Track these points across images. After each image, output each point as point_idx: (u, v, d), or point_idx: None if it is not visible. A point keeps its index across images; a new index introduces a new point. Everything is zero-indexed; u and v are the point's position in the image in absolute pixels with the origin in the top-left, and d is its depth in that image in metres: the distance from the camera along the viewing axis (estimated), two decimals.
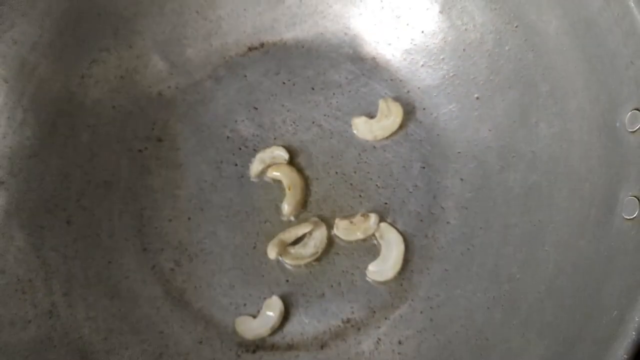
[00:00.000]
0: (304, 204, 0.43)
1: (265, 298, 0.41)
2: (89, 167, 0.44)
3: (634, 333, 0.26)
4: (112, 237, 0.42)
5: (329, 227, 0.42)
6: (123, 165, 0.44)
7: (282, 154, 0.44)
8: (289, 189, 0.43)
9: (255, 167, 0.44)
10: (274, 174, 0.43)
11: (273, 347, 0.40)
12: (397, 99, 0.44)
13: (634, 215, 0.30)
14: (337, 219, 0.42)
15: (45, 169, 0.42)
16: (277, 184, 0.43)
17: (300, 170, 0.44)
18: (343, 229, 0.42)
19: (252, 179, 0.44)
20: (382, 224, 0.42)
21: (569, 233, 0.35)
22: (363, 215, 0.42)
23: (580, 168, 0.35)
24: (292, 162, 0.44)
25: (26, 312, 0.39)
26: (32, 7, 0.42)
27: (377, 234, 0.41)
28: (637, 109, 0.31)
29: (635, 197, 0.30)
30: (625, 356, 0.26)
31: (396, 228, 0.42)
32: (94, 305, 0.40)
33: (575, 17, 0.36)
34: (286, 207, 0.43)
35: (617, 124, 0.32)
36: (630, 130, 0.32)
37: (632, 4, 0.31)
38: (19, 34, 0.42)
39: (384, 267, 0.40)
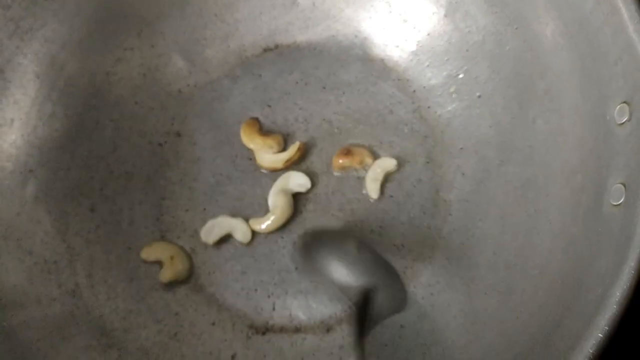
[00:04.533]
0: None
1: (275, 284, 0.43)
2: (112, 158, 0.46)
3: (615, 307, 0.28)
4: (132, 224, 0.44)
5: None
6: (144, 157, 0.46)
7: None
8: None
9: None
10: None
11: (281, 330, 0.41)
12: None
13: (620, 201, 0.31)
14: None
15: (71, 160, 0.45)
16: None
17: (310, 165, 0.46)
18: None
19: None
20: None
21: (561, 221, 0.36)
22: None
23: (573, 160, 0.37)
24: (303, 157, 0.46)
25: (51, 291, 0.41)
26: (62, 8, 0.45)
27: None
28: (625, 102, 0.33)
29: (622, 184, 0.32)
30: (606, 328, 0.28)
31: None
32: (114, 287, 0.42)
33: (569, 18, 0.37)
34: None
35: (607, 117, 0.34)
36: (619, 122, 0.33)
37: (620, 4, 0.33)
38: (50, 32, 0.45)
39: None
